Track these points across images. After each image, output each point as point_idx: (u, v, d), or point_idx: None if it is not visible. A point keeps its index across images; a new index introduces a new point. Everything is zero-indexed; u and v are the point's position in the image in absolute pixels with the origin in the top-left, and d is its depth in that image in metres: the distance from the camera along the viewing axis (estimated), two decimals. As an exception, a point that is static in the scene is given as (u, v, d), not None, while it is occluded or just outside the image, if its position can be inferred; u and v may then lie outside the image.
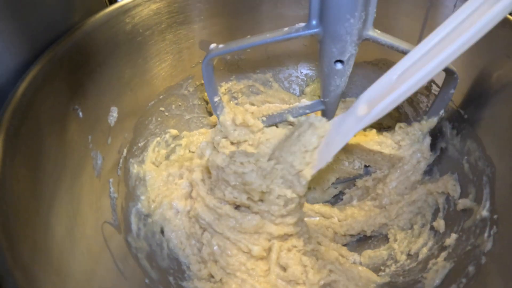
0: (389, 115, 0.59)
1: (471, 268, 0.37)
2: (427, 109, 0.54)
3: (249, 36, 0.43)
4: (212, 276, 0.44)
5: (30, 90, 0.32)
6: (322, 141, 0.43)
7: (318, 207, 0.53)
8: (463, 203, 0.45)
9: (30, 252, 0.24)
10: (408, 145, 0.51)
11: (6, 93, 0.35)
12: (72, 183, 0.35)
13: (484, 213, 0.41)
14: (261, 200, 0.44)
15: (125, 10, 0.44)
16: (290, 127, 0.51)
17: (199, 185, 0.46)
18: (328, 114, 0.50)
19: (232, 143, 0.51)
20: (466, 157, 0.46)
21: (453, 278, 0.39)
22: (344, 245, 0.52)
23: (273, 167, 0.45)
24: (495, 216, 0.39)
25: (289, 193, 0.44)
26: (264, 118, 0.51)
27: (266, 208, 0.44)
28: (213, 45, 0.44)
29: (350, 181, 0.58)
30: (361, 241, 0.53)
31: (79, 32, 0.40)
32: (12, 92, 0.31)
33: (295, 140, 0.45)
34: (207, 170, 0.47)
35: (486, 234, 0.39)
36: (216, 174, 0.45)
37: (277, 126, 0.52)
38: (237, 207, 0.46)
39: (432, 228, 0.47)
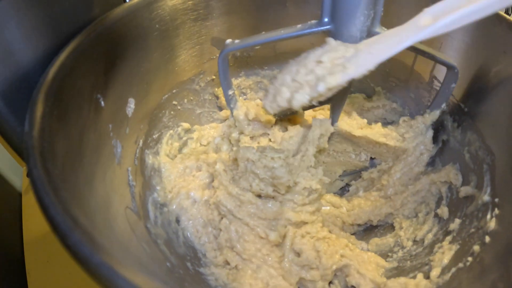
0: (393, 110, 0.61)
1: (476, 247, 0.39)
2: (429, 103, 0.56)
3: (263, 32, 0.45)
4: (228, 263, 0.45)
5: (60, 75, 0.33)
6: (362, 49, 0.38)
7: (329, 197, 0.55)
8: (465, 190, 0.47)
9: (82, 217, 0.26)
10: (411, 138, 0.54)
11: (31, 79, 0.37)
12: (99, 167, 0.36)
13: (486, 197, 0.43)
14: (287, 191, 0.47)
15: (144, 5, 0.46)
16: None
17: (221, 175, 0.48)
18: (336, 108, 0.52)
19: (251, 138, 0.53)
20: (467, 148, 0.49)
21: (459, 258, 0.41)
22: (352, 234, 0.54)
23: (300, 162, 0.48)
24: (496, 199, 0.41)
25: (314, 184, 0.48)
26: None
27: (290, 197, 0.47)
28: (229, 40, 0.46)
29: (356, 173, 0.60)
30: (368, 230, 0.55)
31: (101, 24, 0.41)
32: (44, 76, 0.32)
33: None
34: (228, 162, 0.50)
35: (488, 216, 0.41)
36: (244, 166, 0.47)
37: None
38: (258, 195, 0.47)
39: (436, 215, 0.49)
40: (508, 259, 0.35)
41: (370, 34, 0.41)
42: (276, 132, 0.55)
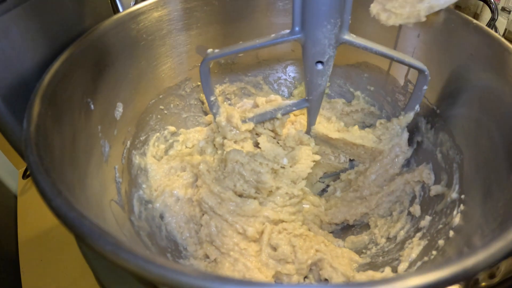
0: (371, 114, 0.64)
1: (440, 242, 0.41)
2: (404, 106, 0.59)
3: (241, 42, 0.48)
4: (208, 256, 0.47)
5: (54, 80, 0.36)
6: None
7: (309, 196, 0.58)
8: (435, 189, 0.49)
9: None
10: (388, 139, 0.56)
11: (30, 83, 0.40)
12: (90, 163, 0.39)
13: (454, 195, 0.45)
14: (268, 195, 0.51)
15: (131, 17, 0.49)
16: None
17: (205, 175, 0.51)
18: (312, 111, 0.55)
19: (234, 142, 0.56)
20: (439, 148, 0.51)
21: (425, 252, 0.42)
22: (330, 233, 0.56)
23: (283, 172, 0.52)
24: (462, 196, 0.43)
25: (295, 191, 0.52)
26: (254, 117, 0.56)
27: (272, 199, 0.50)
28: (210, 50, 0.49)
29: (337, 175, 0.62)
30: (345, 228, 0.57)
31: (91, 36, 0.44)
32: (40, 81, 0.35)
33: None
34: (211, 164, 0.53)
35: (455, 212, 0.43)
36: (232, 168, 0.50)
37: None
38: (240, 195, 0.51)
39: (409, 213, 0.51)
40: (463, 247, 0.38)
41: (338, 41, 0.44)
42: (265, 142, 0.58)
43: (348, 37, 0.45)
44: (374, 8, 0.47)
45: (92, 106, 0.43)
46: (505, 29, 1.07)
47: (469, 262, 0.22)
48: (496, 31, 0.91)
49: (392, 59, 0.49)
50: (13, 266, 0.67)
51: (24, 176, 0.78)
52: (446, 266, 0.21)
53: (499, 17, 0.93)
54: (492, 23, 0.88)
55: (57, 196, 0.23)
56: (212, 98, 0.55)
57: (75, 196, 0.32)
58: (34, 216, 0.75)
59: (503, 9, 1.06)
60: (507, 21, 1.05)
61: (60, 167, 0.32)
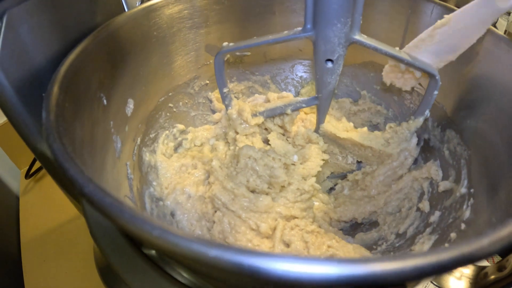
0: (378, 113, 0.65)
1: (452, 235, 0.42)
2: (411, 105, 0.59)
3: (255, 37, 0.49)
4: (220, 254, 0.47)
5: (70, 73, 0.36)
6: (435, 37, 0.45)
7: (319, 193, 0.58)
8: (443, 185, 0.49)
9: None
10: (396, 143, 0.55)
11: (42, 77, 0.40)
12: (108, 156, 0.39)
13: (463, 190, 0.45)
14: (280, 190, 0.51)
15: (143, 14, 0.49)
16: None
17: (217, 171, 0.51)
18: (321, 109, 0.55)
19: (245, 137, 0.56)
20: (446, 145, 0.51)
21: (438, 245, 0.43)
22: (340, 230, 0.57)
23: (294, 168, 0.53)
24: (471, 190, 0.44)
25: (306, 187, 0.52)
26: (264, 111, 0.57)
27: (284, 195, 0.50)
28: (225, 43, 0.50)
29: (343, 176, 0.62)
30: (354, 226, 0.57)
31: (105, 30, 0.44)
32: (56, 73, 0.35)
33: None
34: (223, 160, 0.53)
35: (464, 206, 0.43)
36: (245, 163, 0.50)
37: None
38: (252, 190, 0.51)
39: (418, 209, 0.52)
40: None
41: (348, 40, 0.45)
42: (275, 139, 0.58)
43: (359, 37, 0.45)
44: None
45: (105, 101, 0.43)
46: (505, 31, 1.09)
47: (474, 246, 0.22)
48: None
49: (402, 61, 0.48)
50: (15, 267, 0.66)
51: (27, 176, 0.78)
52: (450, 248, 0.21)
53: (499, 18, 0.95)
54: (492, 25, 0.90)
55: (88, 182, 0.23)
56: (225, 90, 0.56)
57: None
58: (36, 217, 0.74)
59: (502, 11, 1.08)
60: (507, 22, 1.08)
61: (81, 159, 0.32)
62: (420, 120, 0.54)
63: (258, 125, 0.57)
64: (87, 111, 0.38)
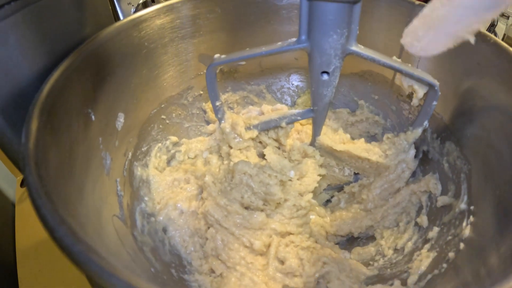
0: (376, 123, 0.63)
1: (451, 254, 0.40)
2: (409, 115, 0.58)
3: (247, 49, 0.47)
4: (213, 271, 0.46)
5: (54, 91, 0.35)
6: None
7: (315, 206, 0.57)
8: (442, 200, 0.48)
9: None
10: (394, 155, 0.54)
11: (28, 94, 0.39)
12: (89, 176, 0.38)
13: (463, 206, 0.44)
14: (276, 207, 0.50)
15: (133, 25, 0.48)
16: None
17: (210, 187, 0.50)
18: (317, 121, 0.54)
19: (240, 151, 0.55)
20: (445, 158, 0.50)
21: (435, 265, 0.42)
22: (336, 244, 0.55)
23: (291, 184, 0.51)
24: (472, 207, 0.42)
25: (303, 203, 0.51)
26: (258, 124, 0.55)
27: (279, 211, 0.49)
28: (216, 55, 0.49)
29: (340, 187, 0.61)
30: (351, 239, 0.56)
31: (92, 44, 0.43)
32: (38, 93, 0.34)
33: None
34: (217, 175, 0.52)
35: (464, 224, 0.42)
36: (240, 179, 0.49)
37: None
38: (246, 207, 0.49)
39: (416, 224, 0.50)
40: (479, 265, 0.37)
41: (345, 51, 0.43)
42: (271, 154, 0.57)
43: (356, 48, 0.44)
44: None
45: (93, 116, 0.42)
46: (504, 35, 1.07)
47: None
48: (495, 36, 0.91)
49: (400, 72, 0.47)
50: (11, 276, 0.66)
51: (22, 184, 0.77)
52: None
53: (498, 22, 0.93)
54: (491, 29, 0.88)
55: (60, 225, 0.22)
56: (218, 103, 0.54)
57: (74, 213, 0.31)
58: (32, 225, 0.73)
59: (502, 14, 1.06)
60: (506, 26, 1.06)
61: (59, 185, 0.31)
62: (419, 131, 0.52)
63: (253, 139, 0.56)
64: (69, 129, 0.37)
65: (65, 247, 0.21)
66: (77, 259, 0.20)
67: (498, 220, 0.38)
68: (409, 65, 0.47)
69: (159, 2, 0.55)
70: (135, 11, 0.51)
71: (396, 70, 0.47)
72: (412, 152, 0.54)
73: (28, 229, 0.73)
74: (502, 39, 1.06)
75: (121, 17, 0.51)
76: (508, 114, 0.41)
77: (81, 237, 0.21)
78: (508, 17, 1.05)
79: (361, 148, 0.56)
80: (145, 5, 0.64)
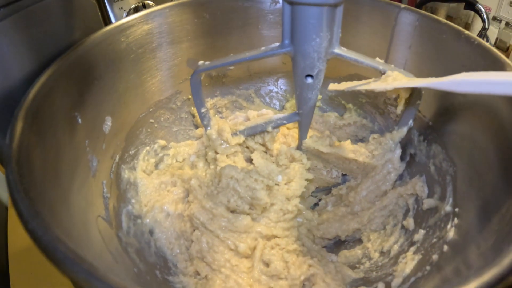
0: (363, 127, 0.63)
1: (434, 257, 0.40)
2: (396, 118, 0.58)
3: (231, 55, 0.48)
4: (198, 273, 0.47)
5: (40, 95, 0.36)
6: None
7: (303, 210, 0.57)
8: (428, 203, 0.48)
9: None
10: (380, 155, 0.55)
11: (15, 98, 0.40)
12: (75, 178, 0.38)
13: (448, 208, 0.44)
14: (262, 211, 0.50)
15: (121, 30, 0.49)
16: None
17: (196, 190, 0.50)
18: (303, 125, 0.54)
19: (227, 156, 0.55)
20: (432, 160, 0.50)
21: (419, 267, 0.42)
22: (323, 247, 0.55)
23: (278, 189, 0.52)
24: (456, 209, 0.42)
25: (290, 207, 0.51)
26: (245, 130, 0.56)
27: (266, 215, 0.49)
28: (201, 62, 0.49)
29: (328, 190, 0.61)
30: (338, 243, 0.56)
31: (80, 48, 0.44)
32: (24, 96, 0.35)
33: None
34: (203, 179, 0.52)
35: (449, 226, 0.42)
36: (227, 183, 0.49)
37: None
38: (232, 210, 0.50)
39: (402, 226, 0.51)
40: (460, 264, 0.37)
41: (328, 54, 0.44)
42: (259, 158, 0.57)
43: (339, 50, 0.44)
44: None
45: (79, 120, 0.43)
46: (497, 38, 1.07)
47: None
48: (487, 40, 0.92)
49: (384, 73, 0.47)
50: (3, 279, 0.66)
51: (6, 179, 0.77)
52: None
53: (490, 26, 0.94)
54: (483, 33, 0.89)
55: (34, 217, 0.22)
56: (203, 110, 0.54)
57: (58, 215, 0.32)
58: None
59: (494, 18, 1.07)
60: (498, 30, 1.06)
61: (42, 185, 0.31)
62: (404, 130, 0.53)
63: (239, 144, 0.56)
64: (55, 132, 0.38)
65: (37, 238, 0.21)
66: (47, 249, 0.20)
67: (480, 221, 0.38)
68: (392, 65, 0.47)
69: (150, 7, 0.56)
70: (127, 15, 0.52)
71: (380, 71, 0.47)
72: (398, 151, 0.54)
73: (21, 232, 0.72)
74: (495, 43, 1.07)
75: (114, 21, 0.52)
76: (493, 114, 0.41)
77: (52, 228, 0.22)
78: (500, 21, 1.06)
79: (348, 149, 0.56)
80: (136, 10, 0.65)
